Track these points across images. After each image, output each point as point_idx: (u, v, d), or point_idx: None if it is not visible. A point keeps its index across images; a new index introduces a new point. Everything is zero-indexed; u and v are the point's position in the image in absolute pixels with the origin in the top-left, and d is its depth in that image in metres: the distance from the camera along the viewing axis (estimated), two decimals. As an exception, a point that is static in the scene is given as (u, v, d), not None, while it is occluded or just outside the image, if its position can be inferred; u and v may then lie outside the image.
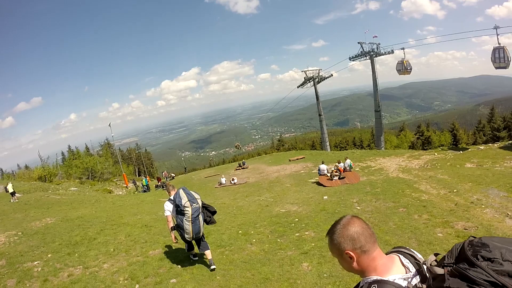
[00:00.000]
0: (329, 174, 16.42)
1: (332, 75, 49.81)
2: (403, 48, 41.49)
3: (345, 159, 17.66)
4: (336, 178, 15.48)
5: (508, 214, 8.06)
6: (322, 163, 17.66)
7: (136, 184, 33.52)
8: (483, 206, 9.04)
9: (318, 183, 16.14)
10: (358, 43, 42.45)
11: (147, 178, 34.33)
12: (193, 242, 6.61)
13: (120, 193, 29.64)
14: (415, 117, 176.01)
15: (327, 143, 53.47)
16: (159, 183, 31.67)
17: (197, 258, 7.00)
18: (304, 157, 32.88)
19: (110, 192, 28.16)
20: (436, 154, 23.54)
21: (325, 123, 52.79)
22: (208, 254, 6.54)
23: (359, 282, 1.50)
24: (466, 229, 7.34)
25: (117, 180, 37.91)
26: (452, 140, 45.80)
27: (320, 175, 16.96)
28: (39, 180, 31.00)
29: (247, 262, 6.70)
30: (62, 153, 52.04)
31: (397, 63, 41.46)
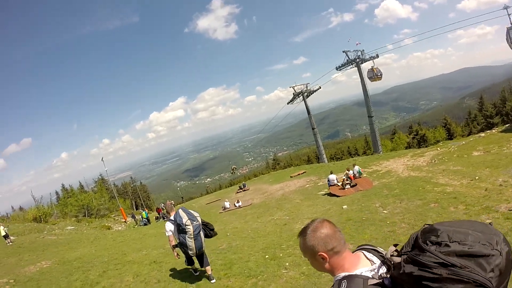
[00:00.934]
0: (339, 184, 15.87)
1: (320, 87, 49.93)
2: (371, 57, 42.69)
3: (353, 166, 17.13)
4: (348, 186, 14.97)
5: (543, 190, 7.69)
6: (331, 173, 17.12)
7: (135, 218, 31.99)
8: (513, 187, 8.74)
9: (330, 194, 15.61)
10: (343, 52, 42.85)
11: (146, 211, 33.03)
12: (194, 258, 6.90)
13: (120, 228, 27.95)
14: (403, 120, 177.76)
15: (324, 155, 53.35)
16: (160, 214, 30.27)
17: (198, 274, 7.26)
18: (305, 172, 32.52)
19: (109, 228, 26.61)
20: (439, 149, 23.36)
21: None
22: (209, 270, 6.86)
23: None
24: (511, 210, 7.05)
25: (114, 216, 36.72)
26: (447, 134, 45.83)
27: (330, 185, 16.37)
28: (34, 221, 29.53)
29: (292, 292, 5.83)
30: (56, 192, 49.63)
31: (368, 71, 42.47)
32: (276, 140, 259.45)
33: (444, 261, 1.20)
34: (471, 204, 8.08)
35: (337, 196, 14.52)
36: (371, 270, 1.52)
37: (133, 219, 31.81)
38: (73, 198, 40.33)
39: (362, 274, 1.49)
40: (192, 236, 6.30)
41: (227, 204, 22.54)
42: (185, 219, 6.25)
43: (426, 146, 36.55)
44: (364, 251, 1.67)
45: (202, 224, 6.68)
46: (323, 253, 1.56)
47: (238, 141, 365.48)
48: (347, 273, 1.52)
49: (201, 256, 6.76)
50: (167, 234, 6.57)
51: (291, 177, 31.75)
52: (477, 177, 11.00)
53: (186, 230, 6.24)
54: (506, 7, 25.94)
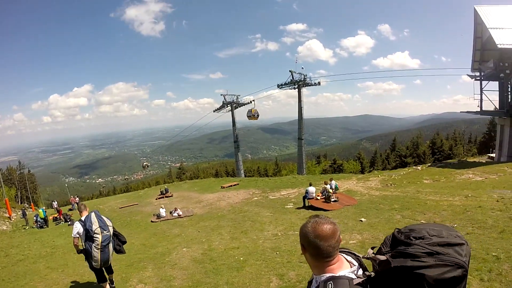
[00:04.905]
0: (318, 197, 15.58)
1: (252, 101, 51.22)
2: (253, 100, 51.85)
3: (330, 180, 16.86)
4: (334, 199, 14.71)
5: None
6: (310, 185, 16.54)
7: (26, 215, 24.68)
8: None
9: (313, 208, 14.88)
10: (290, 71, 45.11)
11: (44, 208, 26.06)
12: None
13: (4, 228, 21.65)
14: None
15: (242, 170, 53.92)
16: (59, 216, 24.51)
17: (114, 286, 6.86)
18: (238, 184, 31.71)
19: None
20: (379, 176, 25.15)
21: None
22: (111, 276, 6.74)
23: (311, 279, 1.76)
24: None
25: None
26: (360, 167, 50.46)
27: (309, 198, 15.86)
28: None
29: None
30: None
31: (248, 111, 49.90)
32: (176, 150, 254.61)
33: (431, 251, 1.41)
34: (505, 210, 8.85)
35: (324, 210, 13.87)
36: (352, 272, 1.64)
37: (23, 218, 24.86)
38: None
39: (346, 275, 1.59)
40: (99, 247, 5.87)
41: (162, 212, 19.11)
42: (95, 226, 5.83)
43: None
44: (343, 254, 1.77)
45: (113, 235, 6.25)
46: (303, 247, 1.71)
47: (137, 144, 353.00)
48: (331, 274, 1.60)
49: (107, 268, 6.50)
50: (73, 236, 6.01)
51: (222, 187, 30.55)
52: (469, 195, 12.21)
53: (94, 238, 5.82)
54: None
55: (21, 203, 45.06)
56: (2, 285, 8.66)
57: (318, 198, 15.62)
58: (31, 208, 38.34)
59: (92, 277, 7.78)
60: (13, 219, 25.83)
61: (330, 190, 15.32)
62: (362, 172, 47.05)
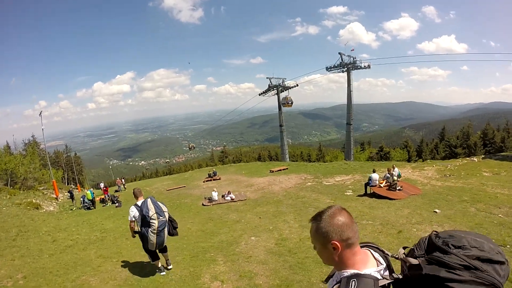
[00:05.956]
0: (382, 185, 15.40)
1: (297, 85, 50.97)
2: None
3: (393, 168, 16.46)
4: (399, 188, 14.56)
5: None
6: (374, 171, 16.29)
7: (73, 196, 24.49)
8: None
9: (377, 196, 14.65)
10: (339, 53, 44.39)
11: (92, 190, 25.80)
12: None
13: (51, 208, 21.29)
14: (344, 136, 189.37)
15: (287, 155, 54.09)
16: (106, 196, 24.04)
17: (164, 273, 7.01)
18: (287, 168, 32.00)
19: (37, 208, 19.93)
20: (434, 166, 24.37)
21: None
22: (166, 255, 7.04)
23: (333, 274, 1.65)
24: None
25: (43, 189, 29.21)
26: (407, 155, 49.01)
27: (371, 186, 15.73)
28: None
29: None
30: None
31: (282, 98, 51.68)
32: (217, 134, 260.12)
33: (469, 264, 1.31)
34: None
35: (390, 199, 13.64)
36: (378, 271, 1.52)
37: (70, 199, 24.61)
38: (-5, 159, 31.49)
39: (371, 274, 1.49)
40: (156, 232, 6.19)
41: (215, 195, 18.51)
42: (152, 212, 6.11)
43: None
44: (371, 250, 1.66)
45: (168, 220, 6.54)
46: (336, 242, 1.52)
47: (179, 128, 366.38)
48: (356, 271, 1.50)
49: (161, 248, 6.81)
50: (129, 219, 6.30)
51: (271, 171, 30.94)
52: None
53: (151, 223, 6.12)
54: None
55: (67, 184, 47.99)
56: (50, 279, 7.54)
57: (382, 185, 15.41)
58: (77, 189, 40.37)
59: (151, 269, 7.39)
60: (60, 200, 26.10)
61: (395, 178, 15.18)
62: (408, 161, 45.63)
